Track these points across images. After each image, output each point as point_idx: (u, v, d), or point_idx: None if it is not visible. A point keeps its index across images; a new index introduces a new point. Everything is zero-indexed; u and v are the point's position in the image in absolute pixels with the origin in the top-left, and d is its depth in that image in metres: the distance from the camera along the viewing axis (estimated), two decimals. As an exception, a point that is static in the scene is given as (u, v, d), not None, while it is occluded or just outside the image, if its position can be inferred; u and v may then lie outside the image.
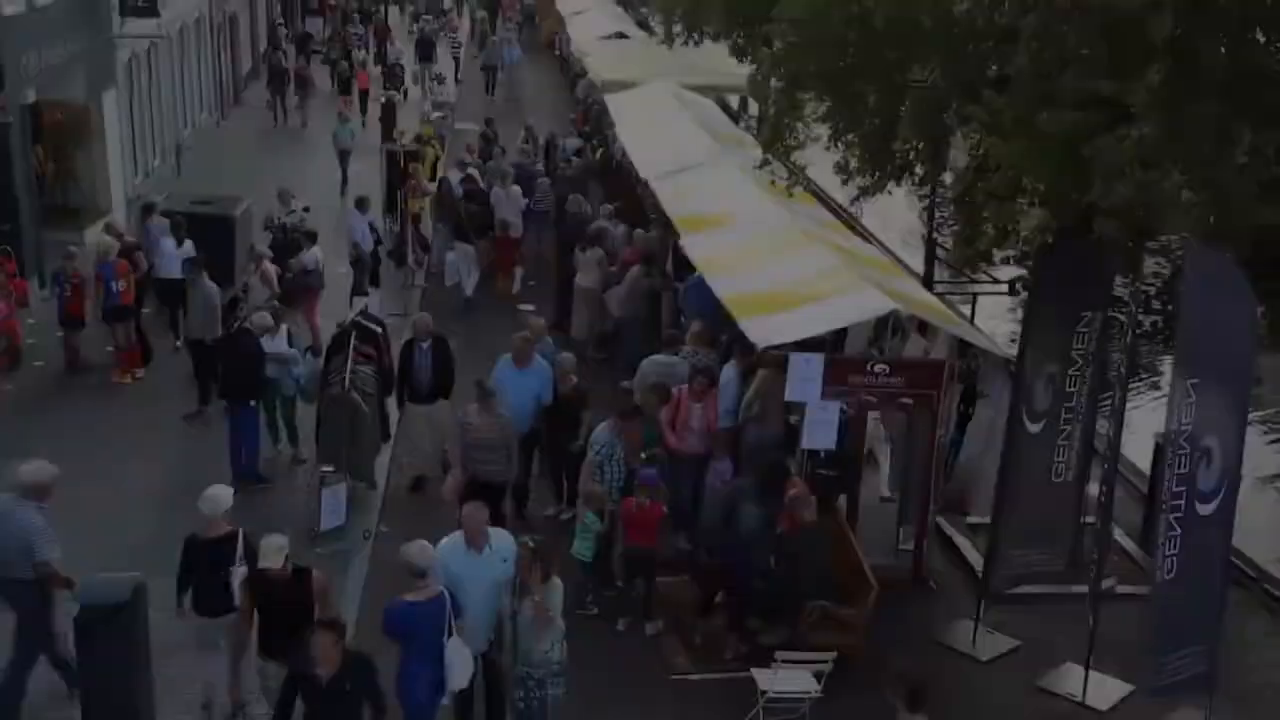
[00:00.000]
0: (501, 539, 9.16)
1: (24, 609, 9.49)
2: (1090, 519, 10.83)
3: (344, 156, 25.37)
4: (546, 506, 13.36)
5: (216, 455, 13.51)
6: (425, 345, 13.53)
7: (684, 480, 12.69)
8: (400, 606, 8.54)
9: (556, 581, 8.94)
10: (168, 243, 17.87)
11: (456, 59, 39.16)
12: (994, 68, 11.37)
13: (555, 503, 13.34)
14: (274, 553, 8.59)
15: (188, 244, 17.46)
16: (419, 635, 8.50)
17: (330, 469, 12.86)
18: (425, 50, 36.25)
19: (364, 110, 33.44)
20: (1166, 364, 20.73)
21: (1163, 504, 8.89)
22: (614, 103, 24.00)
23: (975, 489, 13.11)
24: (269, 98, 31.87)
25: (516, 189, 21.31)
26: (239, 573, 9.03)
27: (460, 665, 8.60)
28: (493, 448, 11.86)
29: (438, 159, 25.31)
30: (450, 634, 8.52)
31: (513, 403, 12.45)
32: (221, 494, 9.35)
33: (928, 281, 19.21)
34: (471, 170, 21.74)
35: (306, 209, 20.16)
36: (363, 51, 37.50)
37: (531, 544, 8.90)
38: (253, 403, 13.40)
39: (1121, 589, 12.03)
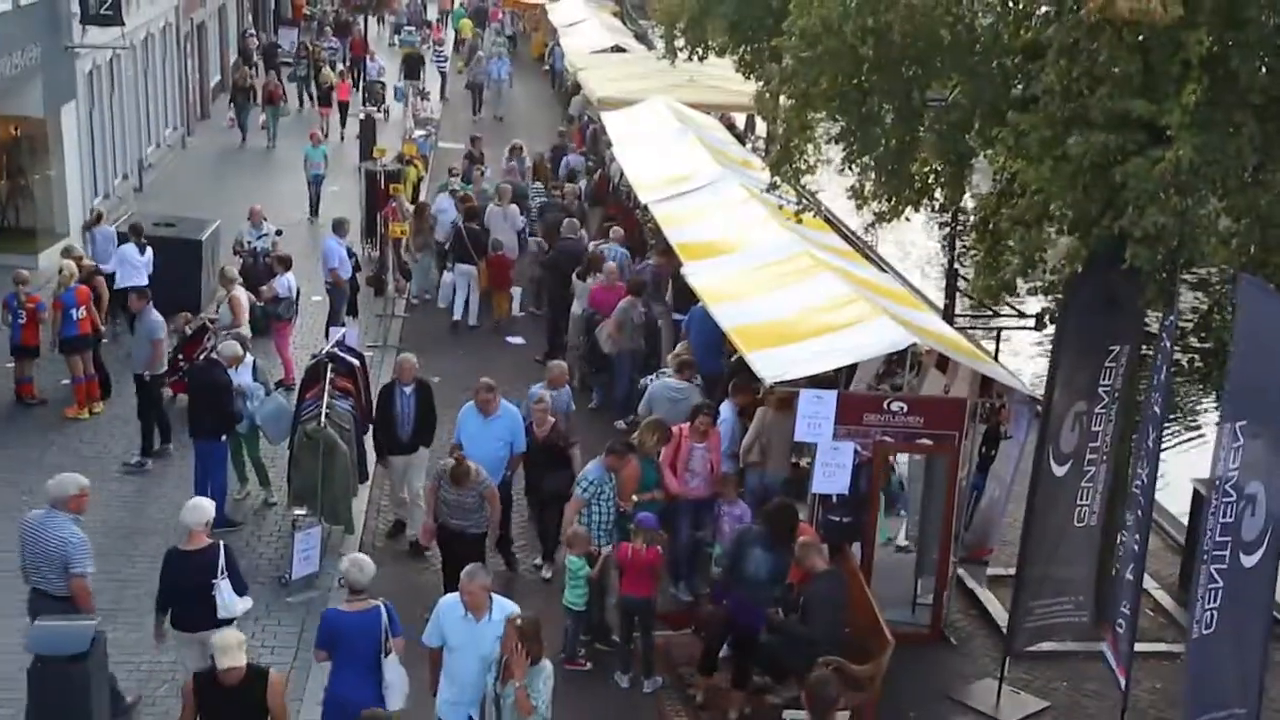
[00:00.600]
0: (505, 608, 9.02)
1: None
2: (1122, 569, 10.86)
3: (316, 181, 25.37)
4: (535, 555, 13.43)
5: (174, 497, 13.55)
6: (408, 390, 13.48)
7: (684, 526, 12.77)
8: (331, 614, 9.12)
9: (546, 667, 8.58)
10: (129, 250, 18.05)
11: (442, 73, 39.41)
12: (1019, 86, 11.51)
13: (542, 555, 13.34)
14: (230, 651, 8.01)
15: (149, 253, 17.78)
16: (350, 645, 8.84)
17: (303, 512, 12.89)
18: (412, 68, 36.26)
19: (343, 123, 33.76)
20: (1204, 403, 20.91)
21: (1204, 554, 8.94)
22: (611, 121, 24.22)
23: (995, 536, 13.18)
24: (231, 115, 31.93)
25: (514, 208, 21.74)
26: (222, 585, 9.60)
27: (399, 685, 8.93)
28: (467, 510, 11.81)
29: (420, 179, 25.51)
30: (387, 652, 8.87)
31: (477, 456, 12.19)
32: (204, 504, 10.03)
33: (948, 315, 19.34)
34: (457, 189, 22.00)
35: (279, 232, 20.34)
36: (339, 66, 37.63)
37: (519, 622, 8.59)
38: (222, 438, 13.46)
39: (1156, 646, 12.09)
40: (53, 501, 9.94)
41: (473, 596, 8.95)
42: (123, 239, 18.63)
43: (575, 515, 11.79)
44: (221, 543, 9.91)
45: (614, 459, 11.95)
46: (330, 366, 13.48)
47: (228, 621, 9.64)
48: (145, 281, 17.55)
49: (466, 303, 20.38)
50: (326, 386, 13.14)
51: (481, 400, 12.81)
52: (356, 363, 14.18)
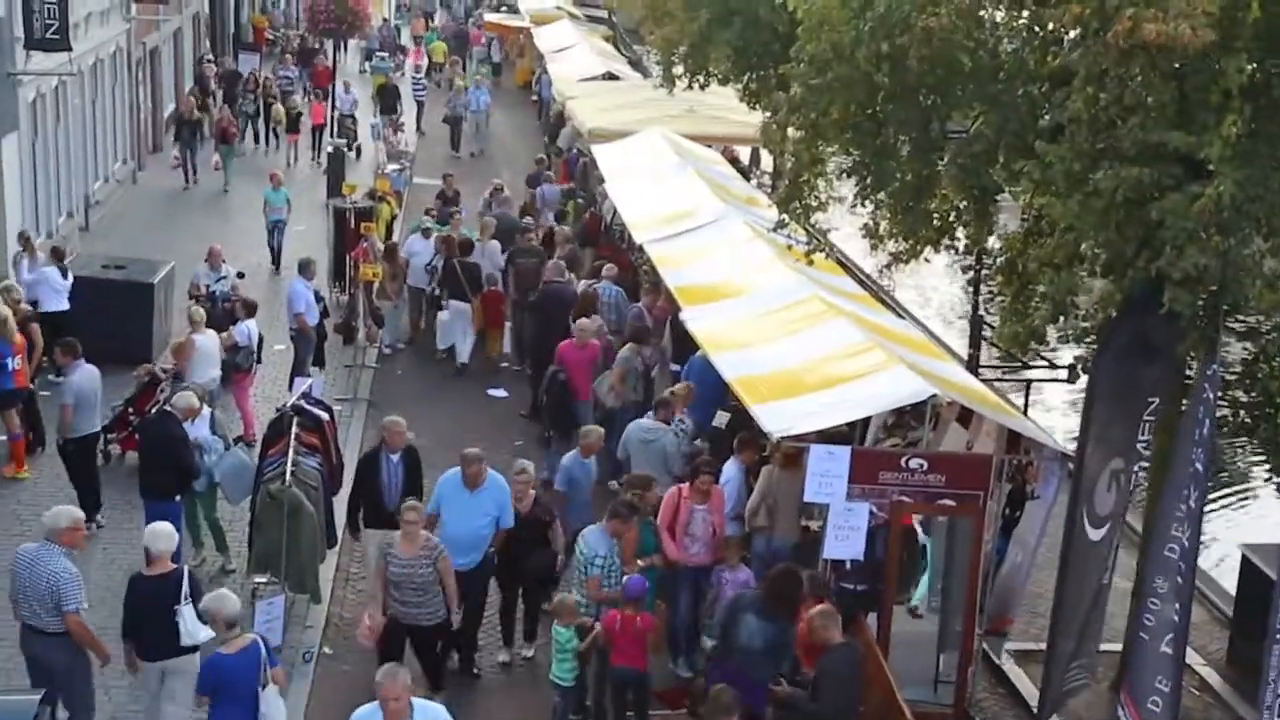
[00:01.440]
0: (431, 715, 8.88)
1: (57, 667, 10.47)
2: (1155, 641, 10.93)
3: (276, 228, 25.18)
4: (497, 653, 13.29)
5: (124, 563, 13.63)
6: (395, 458, 13.25)
7: (684, 596, 12.85)
8: (215, 660, 9.64)
9: None
10: (51, 272, 18.25)
11: (419, 102, 39.67)
12: (1046, 116, 11.72)
13: (506, 647, 13.23)
14: None
15: (70, 276, 18.23)
16: (233, 686, 9.51)
17: (265, 579, 12.98)
18: (387, 101, 36.40)
19: (316, 149, 34.07)
20: (1238, 459, 21.05)
21: (1277, 634, 9.02)
22: (603, 155, 24.49)
23: (1016, 606, 13.23)
24: (176, 154, 31.35)
25: (494, 244, 22.09)
26: (185, 612, 10.25)
27: (276, 716, 9.58)
28: (420, 586, 11.57)
29: (394, 217, 25.73)
30: (264, 684, 9.53)
31: (462, 532, 12.30)
32: (168, 530, 10.80)
33: (973, 366, 19.49)
34: (429, 226, 22.17)
35: (240, 275, 20.51)
36: (296, 96, 37.61)
37: None
38: (176, 498, 13.55)
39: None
40: (47, 534, 10.59)
41: (395, 708, 8.59)
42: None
43: (599, 593, 11.83)
44: (186, 568, 10.62)
45: (618, 523, 12.05)
46: (295, 420, 13.60)
47: (191, 649, 10.45)
48: (66, 305, 17.75)
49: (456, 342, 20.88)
50: (291, 442, 13.25)
51: (471, 473, 12.59)
52: (324, 416, 14.31)
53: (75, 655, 10.57)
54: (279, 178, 25.82)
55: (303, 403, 14.13)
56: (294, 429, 13.46)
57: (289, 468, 12.88)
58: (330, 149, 29.90)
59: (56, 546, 10.53)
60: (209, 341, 16.79)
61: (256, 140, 35.51)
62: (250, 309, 17.85)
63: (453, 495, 12.64)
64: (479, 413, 19.45)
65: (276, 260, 25.05)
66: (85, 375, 15.05)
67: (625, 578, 11.77)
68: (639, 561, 12.32)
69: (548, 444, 17.10)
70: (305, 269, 19.39)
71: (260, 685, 9.59)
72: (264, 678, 9.64)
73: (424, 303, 21.80)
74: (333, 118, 34.86)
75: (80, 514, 10.88)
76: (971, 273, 20.22)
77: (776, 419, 12.10)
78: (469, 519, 12.51)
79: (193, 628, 10.30)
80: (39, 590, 10.35)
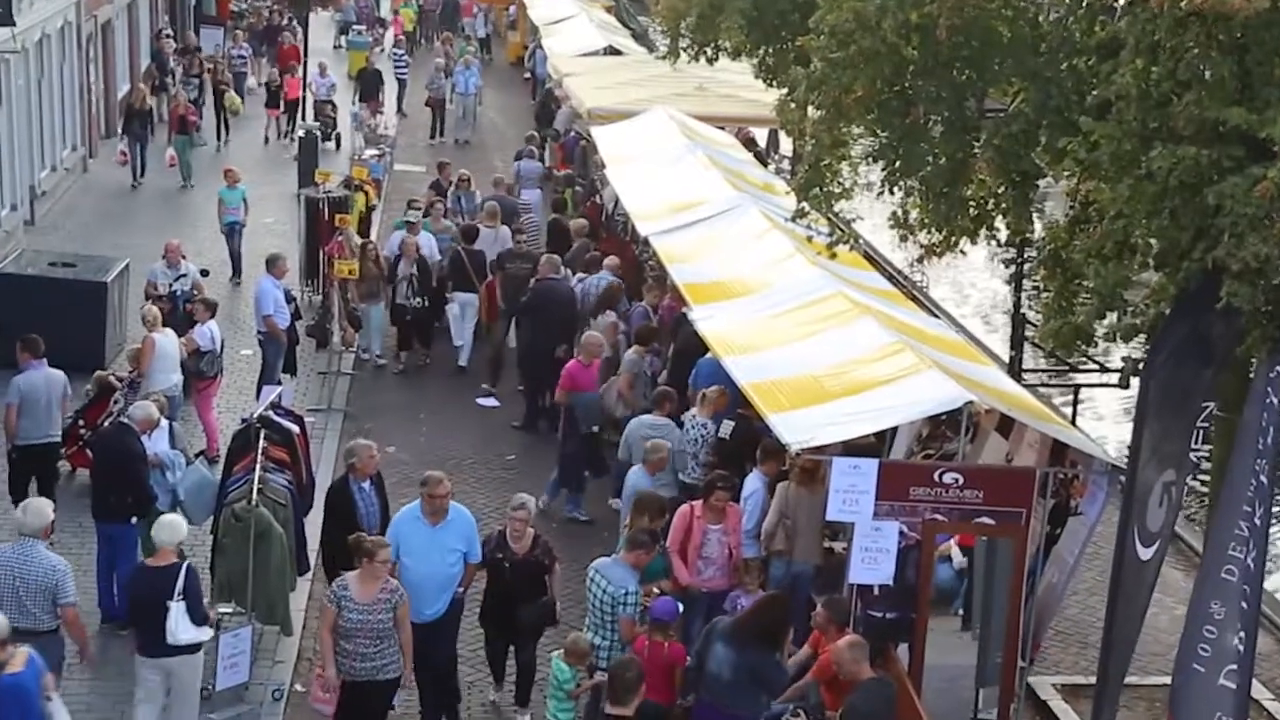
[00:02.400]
0: None
1: (53, 668, 10.75)
2: (1212, 673, 10.94)
3: (233, 231, 24.49)
4: (487, 690, 13.30)
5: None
6: (367, 486, 13.19)
7: (696, 625, 12.88)
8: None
9: None
10: None
11: (401, 80, 39.65)
12: (1093, 91, 11.76)
13: (496, 686, 13.19)
14: None
15: None
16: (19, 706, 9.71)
17: (229, 609, 13.00)
18: (368, 86, 36.21)
19: (292, 125, 34.21)
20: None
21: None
22: (603, 137, 24.55)
23: (1045, 630, 13.22)
24: (124, 148, 30.61)
25: (505, 229, 22.38)
26: (175, 608, 10.96)
27: None
28: (378, 634, 11.21)
29: (371, 208, 25.77)
30: (49, 697, 9.83)
31: (427, 574, 12.01)
32: (177, 522, 11.59)
33: (1015, 369, 19.54)
34: (412, 219, 22.16)
35: (204, 272, 20.56)
36: (250, 79, 37.37)
37: None
38: (133, 521, 13.61)
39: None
40: (30, 531, 11.21)
41: None
42: None
43: (632, 634, 11.76)
44: (187, 564, 11.26)
45: (641, 554, 12.06)
46: (263, 433, 13.65)
47: (183, 649, 11.16)
48: None
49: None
50: (258, 457, 13.30)
51: (435, 500, 12.15)
52: (295, 429, 14.36)
53: (64, 653, 11.39)
54: (235, 174, 25.14)
55: (271, 413, 14.16)
56: (261, 442, 13.50)
57: (255, 485, 12.92)
58: (303, 132, 29.85)
59: (40, 542, 11.20)
60: (169, 342, 16.84)
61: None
62: (211, 308, 17.89)
63: (412, 532, 12.15)
64: (466, 425, 19.51)
65: (237, 267, 24.49)
66: (38, 377, 15.12)
67: (654, 600, 11.81)
68: (644, 589, 12.31)
69: (572, 486, 17.02)
70: (274, 265, 19.40)
71: (46, 698, 9.96)
72: (46, 691, 10.01)
73: (407, 319, 21.27)
74: (303, 99, 34.94)
75: (52, 506, 11.64)
76: (1014, 266, 20.26)
77: (795, 429, 12.14)
78: (434, 558, 12.12)
79: (176, 626, 11.00)
80: (32, 587, 11.00)
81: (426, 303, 21.07)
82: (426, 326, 21.44)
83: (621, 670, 10.42)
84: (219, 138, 33.79)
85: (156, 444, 14.11)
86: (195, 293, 19.06)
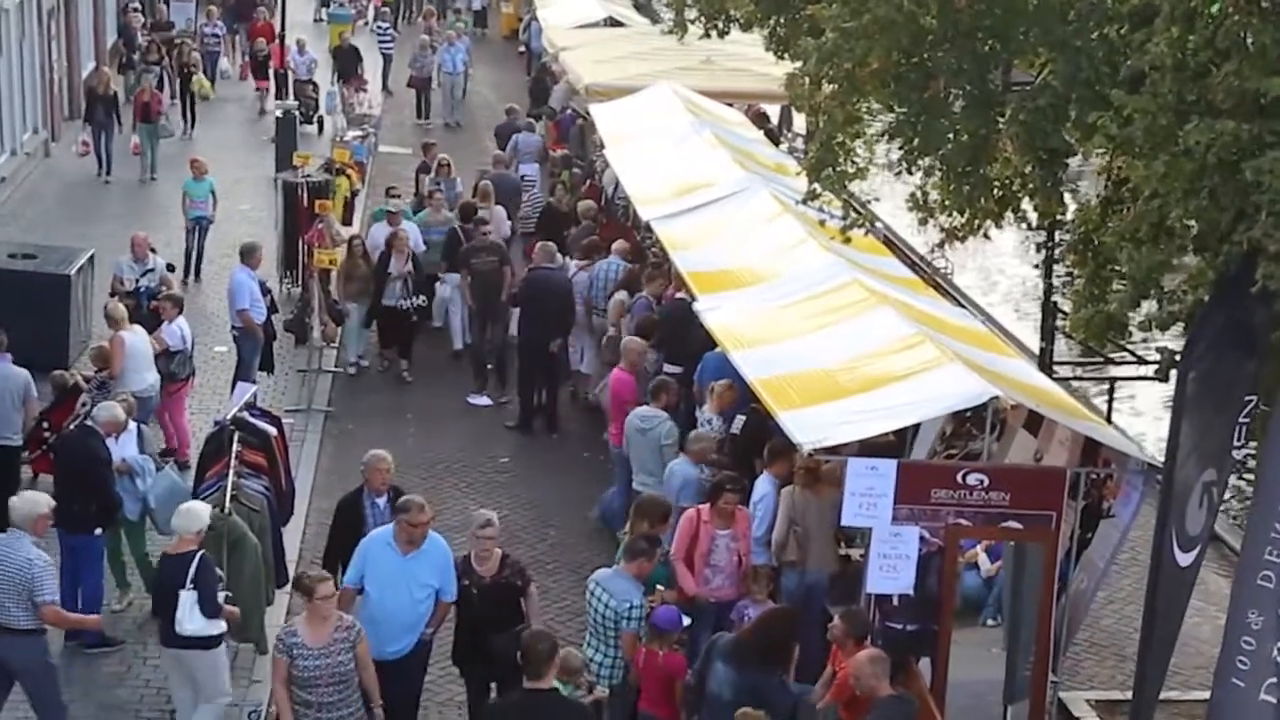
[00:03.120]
0: None
1: (31, 668, 11.69)
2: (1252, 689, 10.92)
3: (198, 227, 24.12)
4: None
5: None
6: (381, 502, 12.89)
7: (704, 637, 12.86)
8: None
9: None
10: None
11: (386, 55, 39.57)
12: (1125, 62, 11.72)
13: None
14: None
15: None
16: None
17: (202, 625, 13.05)
18: (346, 64, 35.93)
19: (280, 95, 34.31)
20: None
21: None
22: (603, 116, 24.55)
23: (1069, 639, 13.19)
24: (86, 138, 30.04)
25: (500, 210, 22.56)
26: (185, 597, 11.44)
27: None
28: (340, 680, 10.84)
29: (354, 193, 25.78)
30: None
31: (395, 609, 11.68)
32: (196, 509, 12.02)
33: (1046, 362, 19.53)
34: (393, 208, 22.12)
35: (171, 267, 20.55)
36: (224, 60, 37.18)
37: None
38: (98, 531, 13.62)
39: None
40: (19, 521, 11.70)
41: None
42: None
43: (634, 647, 11.75)
44: (201, 553, 11.68)
45: (642, 563, 12.05)
46: (237, 436, 13.66)
47: (196, 643, 11.62)
48: None
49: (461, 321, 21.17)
50: (233, 462, 13.31)
51: (413, 529, 11.72)
52: (272, 431, 14.38)
53: (45, 654, 11.79)
54: (202, 165, 24.64)
55: (246, 414, 14.19)
56: (235, 446, 13.52)
57: (229, 492, 12.94)
58: (280, 112, 29.83)
59: (27, 535, 11.65)
60: (139, 340, 16.83)
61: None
62: (178, 304, 17.89)
63: (382, 560, 11.78)
64: (457, 425, 19.52)
65: (196, 267, 24.01)
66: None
67: (655, 608, 11.82)
68: (647, 599, 12.32)
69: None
70: (249, 255, 19.42)
71: None
72: None
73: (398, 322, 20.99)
74: (278, 77, 34.91)
75: (50, 500, 12.09)
76: (1044, 251, 20.24)
77: (807, 428, 12.13)
78: (402, 591, 11.73)
79: (183, 615, 11.49)
80: (10, 580, 11.41)
81: (425, 302, 20.99)
82: (414, 331, 21.16)
83: (534, 642, 10.34)
84: (186, 126, 33.00)
85: (124, 448, 14.14)
86: (163, 288, 19.01)
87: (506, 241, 22.13)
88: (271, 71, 35.59)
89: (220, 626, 11.79)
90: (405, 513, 11.82)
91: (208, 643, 11.76)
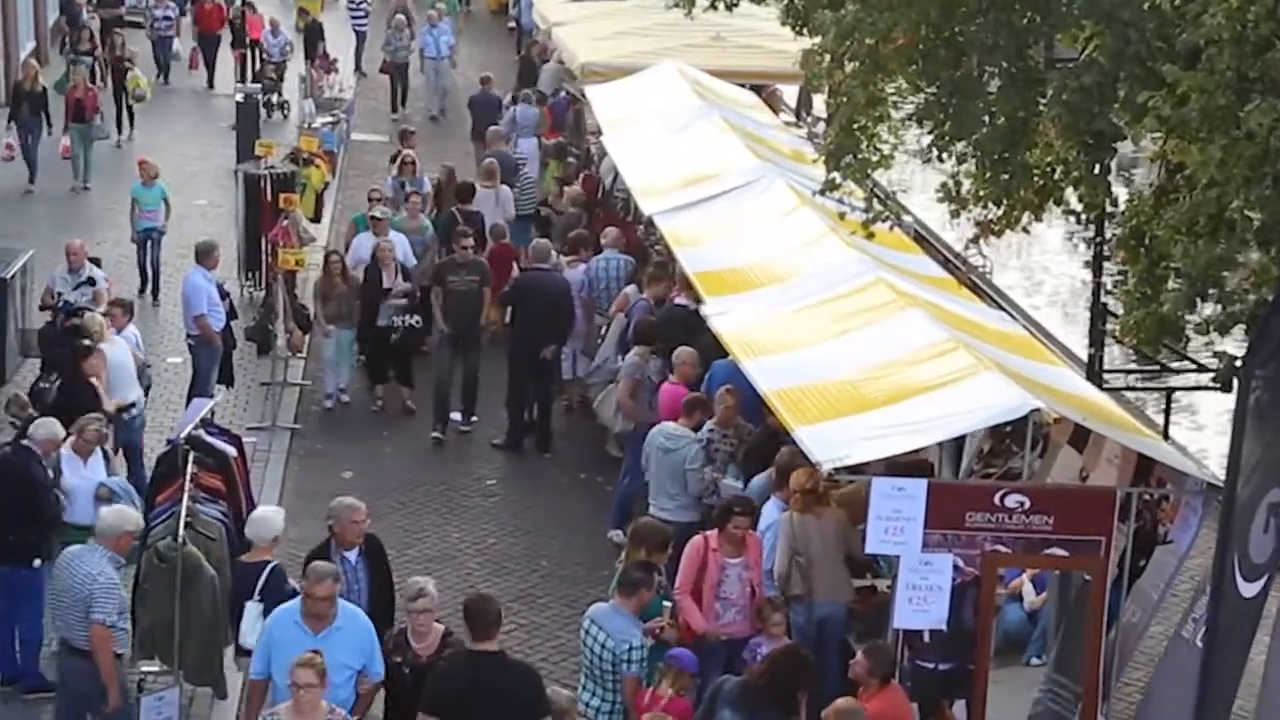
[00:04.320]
0: None
1: (94, 691, 11.99)
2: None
3: (148, 239, 23.44)
4: None
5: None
6: (353, 556, 12.58)
7: (713, 678, 12.84)
8: None
9: None
10: None
11: (359, 32, 39.51)
12: (1179, 35, 11.74)
13: None
14: None
15: None
16: None
17: (154, 667, 13.02)
18: (312, 40, 35.86)
19: (252, 66, 34.47)
20: None
21: None
22: (600, 99, 24.57)
23: (1118, 675, 13.18)
24: (10, 141, 28.56)
25: (505, 190, 22.84)
26: (250, 609, 12.04)
27: None
28: None
29: (325, 186, 25.76)
30: None
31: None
32: (270, 517, 12.73)
33: (1095, 370, 19.51)
34: (378, 215, 21.55)
35: (92, 280, 19.65)
36: (176, 42, 36.75)
37: None
38: (37, 563, 13.64)
39: None
40: (102, 533, 12.22)
41: None
42: None
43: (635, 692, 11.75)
44: (273, 564, 12.36)
45: (642, 594, 12.01)
46: (192, 456, 13.66)
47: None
48: None
49: None
50: (187, 485, 13.30)
51: (315, 603, 11.22)
52: (231, 451, 14.37)
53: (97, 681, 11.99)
54: (152, 168, 23.86)
55: (202, 433, 14.18)
56: (190, 468, 13.51)
57: (183, 519, 12.93)
58: (240, 98, 29.80)
59: (103, 550, 12.11)
60: (121, 352, 16.82)
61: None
62: (129, 310, 17.81)
63: (291, 642, 11.13)
64: (439, 444, 19.47)
65: (153, 283, 23.50)
66: None
67: (670, 650, 11.85)
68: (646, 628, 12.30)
69: None
70: (206, 256, 19.40)
71: None
72: None
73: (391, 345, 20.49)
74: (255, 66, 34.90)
75: (138, 517, 12.65)
76: (1093, 247, 20.23)
77: (827, 445, 12.14)
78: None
79: (247, 628, 12.08)
80: (72, 593, 11.93)
81: (419, 322, 20.36)
82: (411, 353, 20.61)
83: (482, 604, 11.11)
84: (120, 129, 31.65)
85: (95, 472, 14.23)
86: (95, 301, 18.61)
87: (510, 224, 22.30)
88: (248, 40, 35.59)
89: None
90: (305, 578, 11.43)
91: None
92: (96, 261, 19.99)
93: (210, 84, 36.28)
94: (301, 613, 11.35)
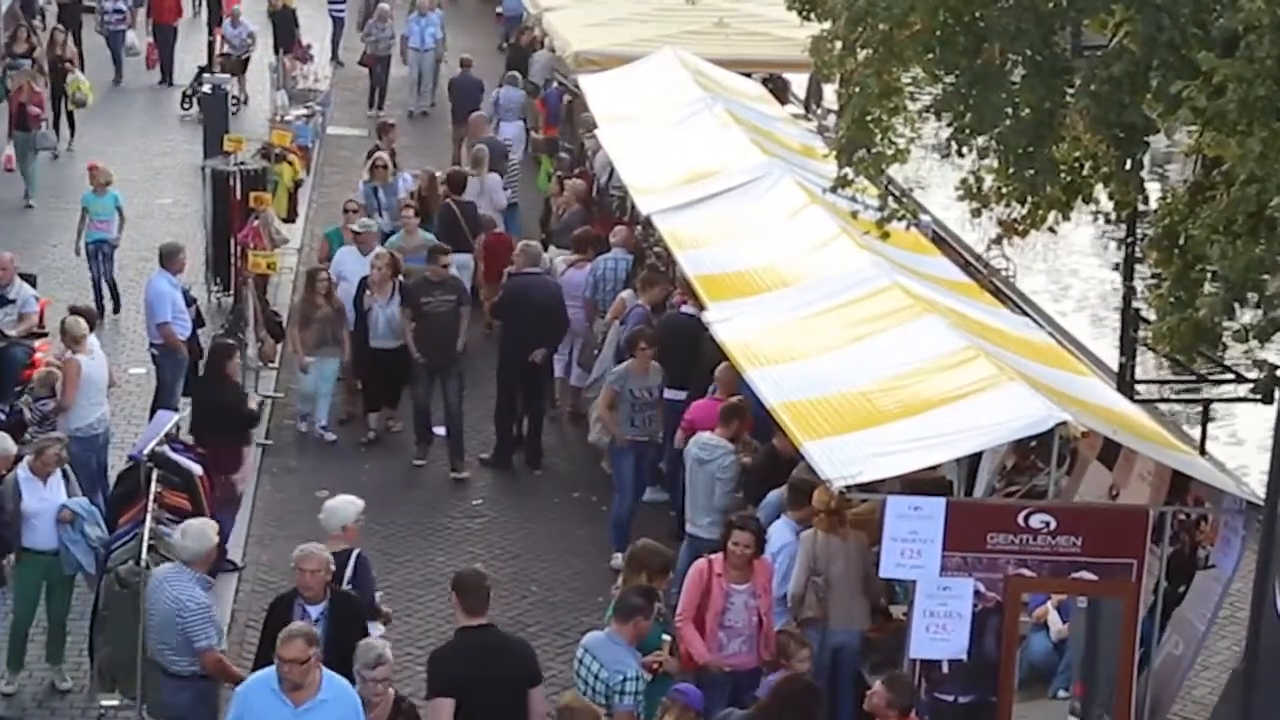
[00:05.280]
0: None
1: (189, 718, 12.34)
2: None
3: (100, 252, 22.99)
4: None
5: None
6: (316, 610, 12.14)
7: (717, 712, 12.86)
8: None
9: None
10: None
11: (336, 18, 39.40)
12: (1216, 20, 11.76)
13: None
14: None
15: None
16: None
17: (114, 702, 13.04)
18: (285, 30, 35.54)
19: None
20: None
21: None
22: (595, 89, 24.58)
23: (1165, 710, 13.20)
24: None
25: (494, 177, 23.12)
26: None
27: None
28: None
29: (298, 183, 25.76)
30: None
31: None
32: (342, 506, 13.22)
33: (1126, 380, 19.53)
34: (359, 229, 21.24)
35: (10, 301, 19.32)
36: (131, 34, 36.16)
37: None
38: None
39: None
40: (185, 556, 12.43)
41: None
42: None
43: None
44: (358, 552, 12.99)
45: (638, 622, 11.99)
46: (156, 474, 13.66)
47: None
48: None
49: None
50: (150, 504, 13.31)
51: (293, 666, 10.66)
52: (197, 469, 14.38)
53: (201, 700, 12.46)
54: (104, 174, 23.36)
55: (166, 449, 14.19)
56: (154, 486, 13.52)
57: (146, 541, 12.93)
58: (208, 86, 29.77)
59: (187, 571, 12.36)
60: (96, 365, 16.86)
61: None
62: (90, 317, 17.80)
63: (268, 712, 10.83)
64: (416, 468, 19.43)
65: (114, 298, 23.19)
66: None
67: (675, 686, 11.86)
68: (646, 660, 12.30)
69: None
70: (170, 259, 19.38)
71: None
72: None
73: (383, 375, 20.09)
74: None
75: (214, 537, 12.75)
76: (1125, 248, 20.24)
77: (838, 461, 12.15)
78: None
79: None
80: (163, 621, 12.26)
81: None
82: (402, 371, 19.94)
83: (476, 580, 11.78)
84: (60, 137, 30.88)
85: (55, 494, 14.21)
86: (19, 322, 18.48)
87: (500, 213, 22.60)
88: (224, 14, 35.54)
89: (379, 629, 12.92)
90: (278, 645, 10.87)
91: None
92: (31, 279, 19.71)
93: (169, 80, 35.82)
94: (280, 681, 10.70)
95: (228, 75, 32.70)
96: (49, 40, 31.86)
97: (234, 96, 33.05)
